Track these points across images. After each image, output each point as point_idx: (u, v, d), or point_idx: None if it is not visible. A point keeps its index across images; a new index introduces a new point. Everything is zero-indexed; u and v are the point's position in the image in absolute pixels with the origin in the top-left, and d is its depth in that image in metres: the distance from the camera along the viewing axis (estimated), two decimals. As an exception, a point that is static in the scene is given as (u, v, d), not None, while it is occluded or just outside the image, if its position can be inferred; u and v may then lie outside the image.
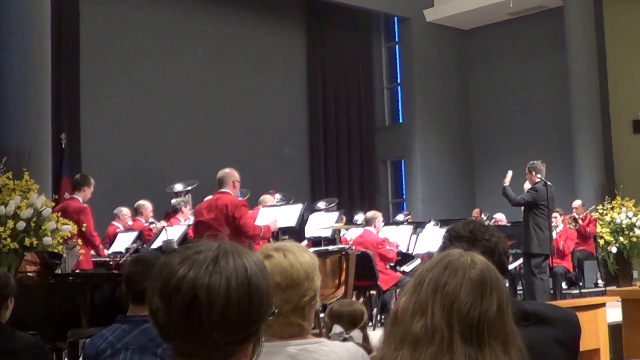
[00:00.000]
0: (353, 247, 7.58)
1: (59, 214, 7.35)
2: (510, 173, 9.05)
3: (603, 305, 5.65)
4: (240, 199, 7.27)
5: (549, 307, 2.47)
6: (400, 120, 16.48)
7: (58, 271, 5.62)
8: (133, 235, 8.52)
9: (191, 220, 8.71)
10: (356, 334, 3.58)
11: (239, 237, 6.68)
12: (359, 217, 11.53)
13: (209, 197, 7.60)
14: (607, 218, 11.88)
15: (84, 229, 7.48)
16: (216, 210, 6.89)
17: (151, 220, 9.44)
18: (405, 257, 9.40)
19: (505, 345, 1.57)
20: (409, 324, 1.58)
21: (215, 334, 1.28)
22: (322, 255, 6.47)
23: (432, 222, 10.95)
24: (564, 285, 10.85)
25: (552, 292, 9.53)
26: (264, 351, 1.47)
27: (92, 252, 7.87)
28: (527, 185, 9.05)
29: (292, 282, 1.98)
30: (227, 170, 7.16)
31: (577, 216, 11.52)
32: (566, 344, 2.30)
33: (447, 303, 1.56)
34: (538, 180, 8.79)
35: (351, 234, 9.63)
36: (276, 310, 1.41)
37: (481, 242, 2.35)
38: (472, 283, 1.58)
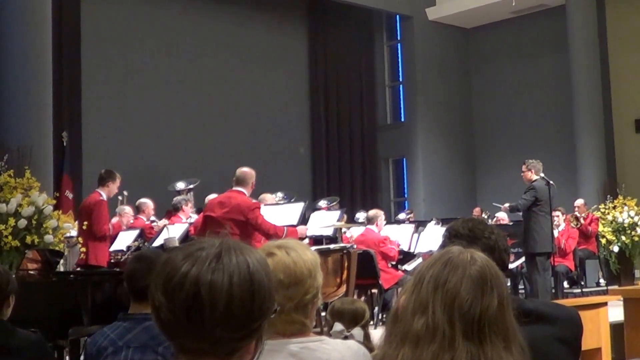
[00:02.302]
0: (355, 246, 7.56)
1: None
2: (505, 205, 9.26)
3: (605, 304, 5.65)
4: (253, 201, 7.17)
5: (550, 305, 2.46)
6: (402, 119, 16.47)
7: (60, 269, 5.62)
8: (134, 233, 8.53)
9: (193, 218, 8.70)
10: (357, 331, 3.58)
11: (247, 239, 6.59)
12: (361, 216, 11.52)
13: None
14: (609, 217, 11.87)
15: (84, 227, 7.45)
16: (227, 208, 6.82)
17: (153, 218, 9.44)
18: (406, 256, 9.40)
19: (507, 342, 1.57)
20: (410, 322, 1.58)
21: (217, 330, 1.28)
22: (323, 253, 6.45)
23: (434, 221, 10.91)
24: (565, 284, 10.82)
25: (553, 291, 9.50)
26: (266, 349, 1.47)
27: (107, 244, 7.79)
28: None
29: (295, 280, 1.98)
30: (246, 169, 7.01)
31: (579, 215, 11.51)
32: (568, 341, 2.29)
33: (448, 300, 1.56)
34: (535, 178, 8.80)
35: (353, 233, 9.62)
36: (278, 308, 1.41)
37: (481, 240, 2.35)
38: (472, 280, 1.58)
